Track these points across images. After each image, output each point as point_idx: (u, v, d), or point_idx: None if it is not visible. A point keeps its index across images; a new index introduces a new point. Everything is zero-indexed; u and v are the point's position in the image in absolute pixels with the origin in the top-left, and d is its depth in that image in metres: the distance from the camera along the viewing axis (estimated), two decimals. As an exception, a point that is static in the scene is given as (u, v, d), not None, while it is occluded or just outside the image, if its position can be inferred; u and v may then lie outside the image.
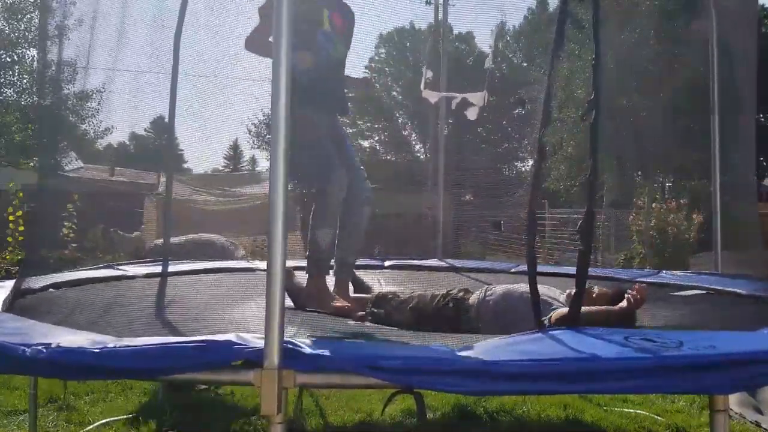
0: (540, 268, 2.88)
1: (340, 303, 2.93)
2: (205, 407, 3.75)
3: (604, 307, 2.55)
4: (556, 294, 2.71)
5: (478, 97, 2.87)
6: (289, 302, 3.18)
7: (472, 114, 2.94)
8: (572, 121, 13.74)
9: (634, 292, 2.51)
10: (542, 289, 2.41)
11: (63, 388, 3.85)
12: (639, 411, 3.75)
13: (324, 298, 2.95)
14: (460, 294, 2.92)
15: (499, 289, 2.87)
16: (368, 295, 3.11)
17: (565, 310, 2.42)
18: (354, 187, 2.99)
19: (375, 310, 2.91)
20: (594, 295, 2.73)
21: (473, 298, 2.88)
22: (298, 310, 3.20)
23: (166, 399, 3.78)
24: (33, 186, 7.72)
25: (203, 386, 3.98)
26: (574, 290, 2.04)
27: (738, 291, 3.31)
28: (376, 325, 2.80)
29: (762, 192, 14.92)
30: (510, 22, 25.26)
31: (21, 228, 7.26)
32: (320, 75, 2.78)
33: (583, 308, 2.34)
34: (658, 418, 3.66)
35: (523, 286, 2.82)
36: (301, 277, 3.16)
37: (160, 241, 5.38)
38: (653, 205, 11.29)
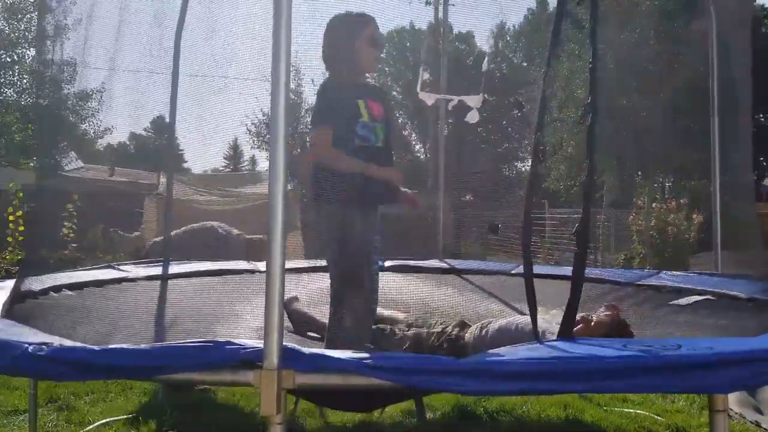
0: (540, 269, 2.89)
1: None
2: (205, 407, 3.75)
3: None
4: (553, 326, 2.65)
5: (474, 100, 2.85)
6: (288, 324, 3.18)
7: (472, 118, 2.92)
8: (572, 121, 13.74)
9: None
10: (544, 324, 2.38)
11: (49, 383, 3.83)
12: (639, 411, 3.75)
13: None
14: (455, 331, 2.91)
15: (494, 325, 2.86)
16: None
17: None
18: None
19: (370, 347, 2.89)
20: (592, 324, 2.67)
21: (469, 336, 2.88)
22: (296, 334, 3.20)
23: (166, 399, 3.78)
24: (33, 186, 7.72)
25: (203, 386, 3.98)
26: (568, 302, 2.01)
27: (737, 294, 3.31)
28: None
29: (762, 192, 14.93)
30: (510, 22, 25.28)
31: (21, 228, 7.27)
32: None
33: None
34: (658, 418, 3.66)
35: (517, 319, 2.83)
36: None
37: (159, 238, 5.35)
38: (653, 205, 11.28)
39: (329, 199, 2.65)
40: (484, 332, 2.84)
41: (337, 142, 2.65)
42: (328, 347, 2.67)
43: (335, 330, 2.70)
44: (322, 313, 3.37)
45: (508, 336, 2.71)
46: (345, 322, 2.67)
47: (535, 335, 2.05)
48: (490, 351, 1.83)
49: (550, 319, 2.69)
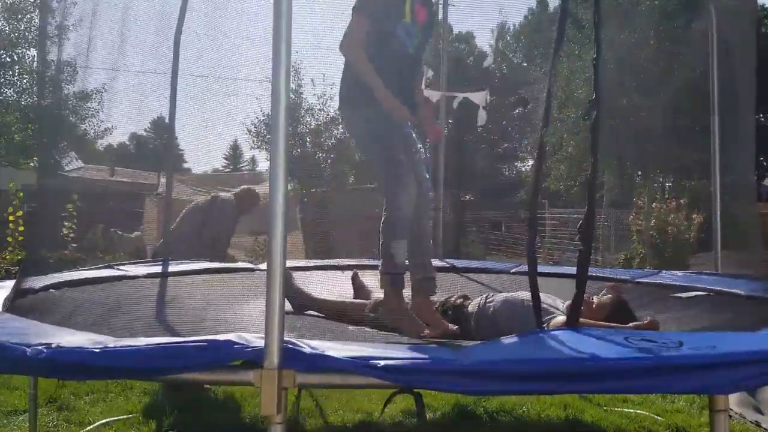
0: (540, 268, 2.87)
1: (431, 327, 2.67)
2: (205, 407, 3.75)
3: (610, 325, 2.46)
4: (557, 303, 2.66)
5: (479, 97, 2.82)
6: (287, 306, 3.16)
7: (481, 119, 2.89)
8: (572, 121, 13.75)
9: (647, 322, 2.45)
10: (543, 296, 2.38)
11: (56, 387, 3.83)
12: (639, 411, 3.75)
13: (411, 322, 2.66)
14: (459, 301, 2.89)
15: (499, 297, 2.84)
16: (368, 301, 3.09)
17: (563, 318, 2.39)
18: (422, 197, 2.77)
19: (373, 318, 2.88)
20: (593, 306, 2.67)
21: (472, 306, 2.86)
22: (296, 314, 3.20)
23: (166, 399, 3.78)
24: (33, 186, 7.73)
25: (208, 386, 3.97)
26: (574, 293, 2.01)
27: (738, 291, 3.31)
28: (377, 331, 2.77)
29: (762, 192, 14.92)
30: (510, 22, 25.28)
31: (21, 228, 7.27)
32: (397, 71, 2.61)
33: (587, 320, 2.32)
34: (658, 418, 3.66)
35: (523, 294, 2.81)
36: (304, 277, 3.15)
37: (161, 241, 5.31)
38: (653, 205, 11.28)
39: (359, 97, 2.61)
40: (488, 303, 2.81)
41: (375, 39, 2.59)
42: (386, 263, 2.66)
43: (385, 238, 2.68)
44: (317, 291, 3.36)
45: (513, 309, 2.70)
46: (393, 221, 2.63)
47: (538, 326, 2.05)
48: (491, 348, 1.83)
49: (556, 298, 2.70)
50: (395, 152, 2.63)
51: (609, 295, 2.74)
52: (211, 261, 4.53)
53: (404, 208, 2.63)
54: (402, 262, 2.67)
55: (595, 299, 2.71)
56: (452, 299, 2.92)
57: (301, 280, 3.46)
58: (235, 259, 5.60)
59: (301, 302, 3.24)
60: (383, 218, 2.69)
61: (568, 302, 2.58)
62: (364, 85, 2.57)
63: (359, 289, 3.44)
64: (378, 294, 3.35)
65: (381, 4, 2.58)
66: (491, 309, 2.77)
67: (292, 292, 3.27)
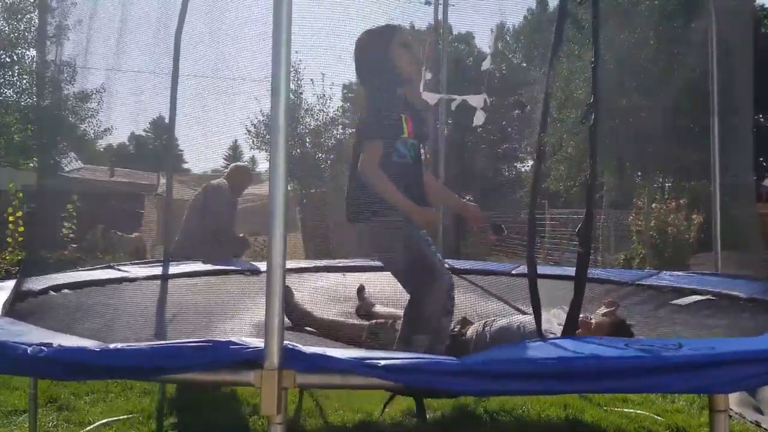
0: (540, 269, 2.87)
1: None
2: (205, 407, 3.75)
3: None
4: (553, 326, 2.65)
5: (477, 100, 2.81)
6: (286, 321, 3.16)
7: (478, 119, 2.89)
8: (572, 122, 13.75)
9: None
10: (545, 324, 2.37)
11: (49, 385, 3.83)
12: (639, 411, 3.76)
13: None
14: (457, 328, 2.90)
15: (496, 324, 2.85)
16: (366, 323, 3.09)
17: None
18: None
19: (370, 341, 2.89)
20: (592, 326, 2.66)
21: (471, 332, 2.87)
22: (295, 330, 3.20)
23: (166, 399, 3.79)
24: (33, 186, 7.74)
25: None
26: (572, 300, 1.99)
27: (738, 294, 3.31)
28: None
29: (762, 192, 14.92)
30: (510, 22, 25.27)
31: (21, 228, 7.27)
32: (405, 184, 2.68)
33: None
34: (658, 418, 3.66)
35: (519, 318, 2.82)
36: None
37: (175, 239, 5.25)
38: (653, 205, 11.28)
39: (374, 209, 2.65)
40: (485, 330, 2.83)
41: (381, 157, 2.66)
42: (400, 347, 2.60)
43: (410, 332, 2.64)
44: (320, 309, 3.37)
45: (510, 335, 2.71)
46: (420, 327, 2.60)
47: (538, 334, 2.05)
48: (491, 350, 1.83)
49: (551, 319, 2.69)
50: (423, 252, 2.67)
51: (607, 315, 2.73)
52: (218, 254, 4.51)
53: (436, 300, 2.59)
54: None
55: (593, 319, 2.71)
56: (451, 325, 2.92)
57: (300, 282, 3.47)
58: (248, 242, 5.54)
59: (300, 318, 3.25)
60: (408, 308, 2.67)
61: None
62: (376, 196, 2.65)
63: (362, 306, 3.45)
64: (379, 308, 3.36)
65: (387, 127, 2.67)
66: (488, 336, 2.78)
67: (291, 308, 3.28)
